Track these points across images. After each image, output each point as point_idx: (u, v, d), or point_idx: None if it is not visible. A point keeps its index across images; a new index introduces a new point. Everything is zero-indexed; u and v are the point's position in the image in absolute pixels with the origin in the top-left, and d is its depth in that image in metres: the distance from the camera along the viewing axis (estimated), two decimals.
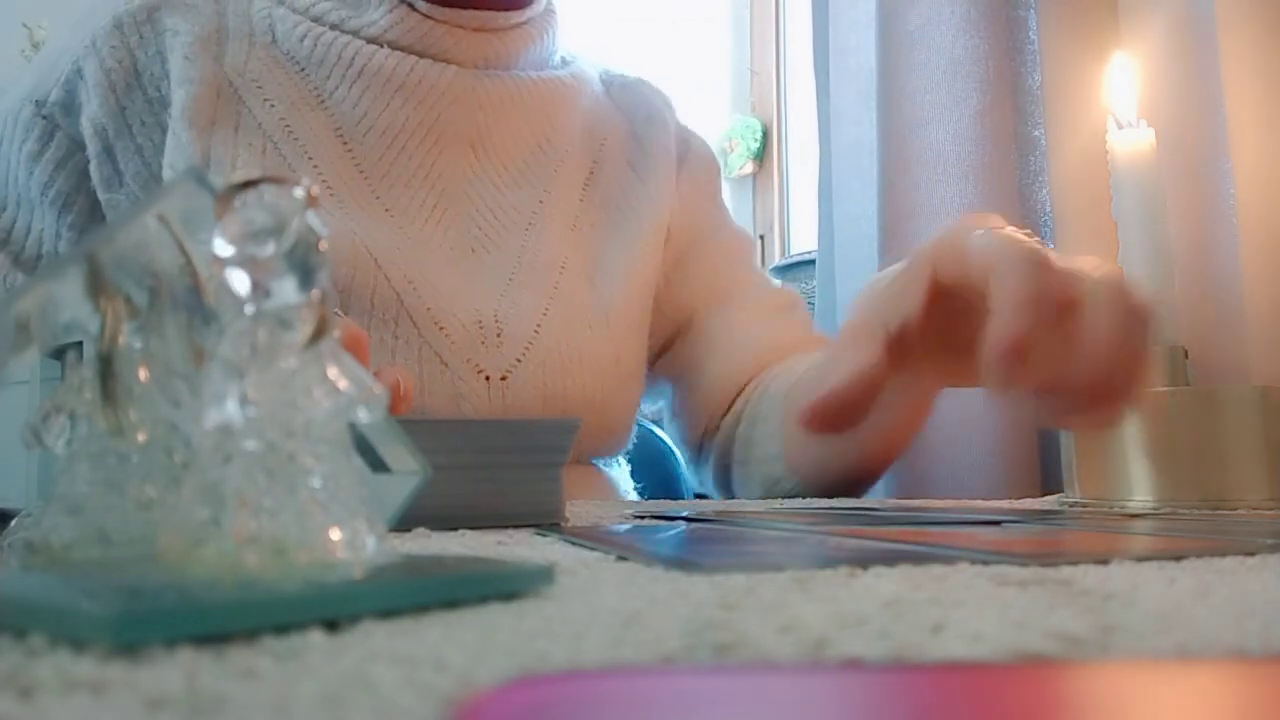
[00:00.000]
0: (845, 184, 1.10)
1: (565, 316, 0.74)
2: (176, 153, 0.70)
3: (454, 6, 0.73)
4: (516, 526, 0.40)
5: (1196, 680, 0.14)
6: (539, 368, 0.72)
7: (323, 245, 0.22)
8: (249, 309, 0.22)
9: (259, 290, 0.22)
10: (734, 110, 2.46)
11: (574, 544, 0.33)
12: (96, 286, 0.25)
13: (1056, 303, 0.43)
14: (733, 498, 0.81)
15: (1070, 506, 0.53)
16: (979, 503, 0.68)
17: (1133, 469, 0.50)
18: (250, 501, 0.20)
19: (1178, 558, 0.27)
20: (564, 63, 0.83)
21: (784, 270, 1.61)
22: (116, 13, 0.73)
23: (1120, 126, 0.53)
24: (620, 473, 0.86)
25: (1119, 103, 0.54)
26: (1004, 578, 0.23)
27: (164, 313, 0.25)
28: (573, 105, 0.81)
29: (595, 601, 0.21)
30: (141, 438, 0.25)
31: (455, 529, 0.38)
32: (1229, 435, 0.50)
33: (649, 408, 0.91)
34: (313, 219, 0.22)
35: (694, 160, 0.88)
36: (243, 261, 0.21)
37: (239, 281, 0.22)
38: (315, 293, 0.22)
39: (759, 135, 2.39)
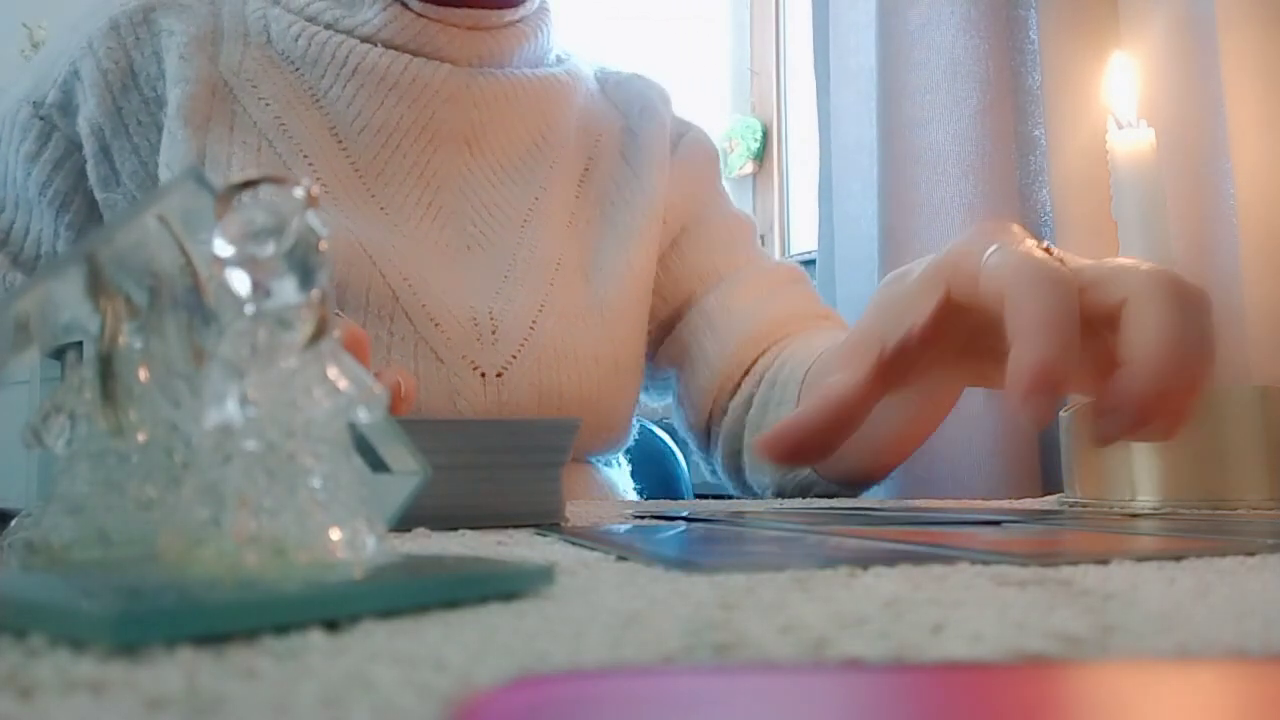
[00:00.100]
0: (845, 184, 1.10)
1: (561, 313, 0.74)
2: (172, 151, 0.70)
3: (447, 5, 0.74)
4: (516, 526, 0.40)
5: (1196, 680, 0.14)
6: (534, 364, 0.72)
7: (323, 245, 0.22)
8: (249, 309, 0.22)
9: (259, 290, 0.22)
10: (734, 110, 2.47)
11: (574, 544, 0.33)
12: (96, 286, 0.25)
13: (1087, 319, 0.41)
14: (745, 485, 0.80)
15: (1070, 506, 0.53)
16: (979, 503, 0.68)
17: (1133, 469, 0.50)
18: (250, 501, 0.20)
19: (1178, 558, 0.27)
20: (559, 61, 0.83)
21: None
22: (113, 14, 0.73)
23: (1120, 126, 0.53)
24: (620, 473, 0.86)
25: (1119, 103, 0.54)
26: (1004, 578, 0.23)
27: (164, 313, 0.25)
28: (567, 102, 0.81)
29: (595, 601, 0.21)
30: (141, 438, 0.25)
31: (455, 529, 0.38)
32: (1229, 435, 0.50)
33: (657, 404, 0.90)
34: (313, 219, 0.22)
35: (688, 146, 0.87)
36: (243, 261, 0.21)
37: (239, 281, 0.22)
38: (315, 293, 0.22)
39: (759, 135, 2.39)
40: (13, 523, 0.25)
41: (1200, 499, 0.49)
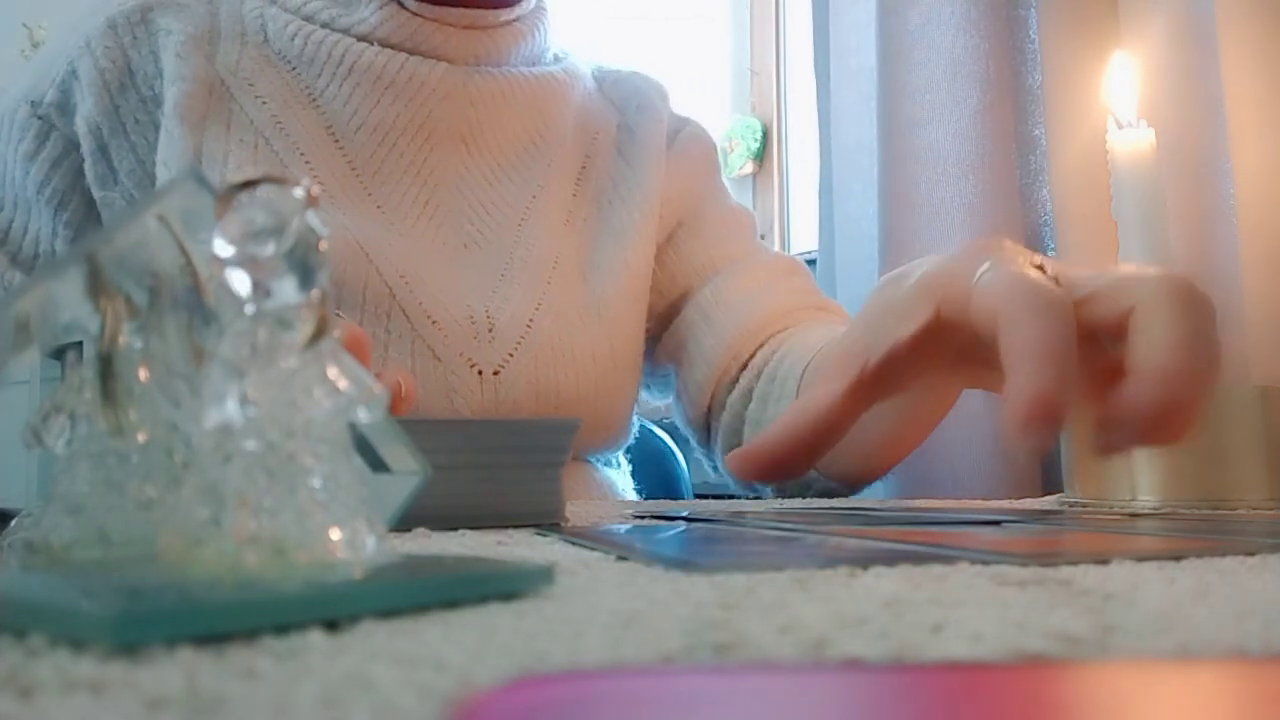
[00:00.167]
0: (845, 184, 1.10)
1: (558, 311, 0.74)
2: (169, 149, 0.70)
3: (443, 4, 0.74)
4: (516, 526, 0.40)
5: (1196, 680, 0.14)
6: (531, 362, 0.72)
7: (323, 245, 0.22)
8: (249, 309, 0.22)
9: (259, 290, 0.22)
10: (734, 110, 2.46)
11: (574, 544, 0.33)
12: (96, 286, 0.25)
13: (1089, 331, 0.40)
14: (746, 481, 0.80)
15: (1070, 506, 0.53)
16: (979, 503, 0.68)
17: (1133, 469, 0.50)
18: (250, 501, 0.20)
19: (1178, 558, 0.27)
20: (556, 59, 0.83)
21: None
22: (110, 14, 0.73)
23: (1120, 126, 0.53)
24: (620, 472, 0.86)
25: (1119, 103, 0.54)
26: (1004, 578, 0.23)
27: (164, 313, 0.25)
28: (564, 101, 0.81)
29: (595, 601, 0.21)
30: (141, 438, 0.25)
31: (455, 529, 0.38)
32: (1229, 435, 0.50)
33: (659, 401, 0.90)
34: (313, 219, 0.22)
35: (685, 140, 0.87)
36: (243, 261, 0.21)
37: (239, 281, 0.22)
38: (315, 293, 0.22)
39: (759, 135, 2.39)
40: (13, 523, 0.25)
41: (1200, 499, 0.49)
